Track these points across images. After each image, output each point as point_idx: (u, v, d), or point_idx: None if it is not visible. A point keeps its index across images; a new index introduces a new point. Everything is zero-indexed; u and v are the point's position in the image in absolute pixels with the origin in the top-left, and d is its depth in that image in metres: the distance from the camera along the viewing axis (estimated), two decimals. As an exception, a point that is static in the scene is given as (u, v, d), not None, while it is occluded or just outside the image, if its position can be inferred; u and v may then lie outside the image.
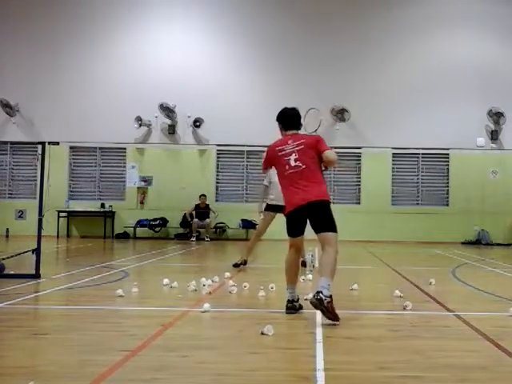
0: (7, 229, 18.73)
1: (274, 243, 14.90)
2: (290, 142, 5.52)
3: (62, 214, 18.83)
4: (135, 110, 18.59)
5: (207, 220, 18.35)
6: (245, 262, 9.80)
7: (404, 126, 18.72)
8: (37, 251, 7.76)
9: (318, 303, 4.98)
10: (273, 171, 10.17)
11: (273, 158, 5.61)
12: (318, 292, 5.03)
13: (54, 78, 19.19)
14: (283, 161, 5.49)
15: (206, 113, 18.86)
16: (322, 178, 5.48)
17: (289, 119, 5.69)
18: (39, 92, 19.10)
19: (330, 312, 4.96)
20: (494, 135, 18.80)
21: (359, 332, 4.78)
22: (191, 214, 18.41)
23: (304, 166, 5.39)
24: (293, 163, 5.44)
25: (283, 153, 5.50)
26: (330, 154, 5.40)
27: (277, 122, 5.76)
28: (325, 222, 5.35)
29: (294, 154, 5.44)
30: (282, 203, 10.04)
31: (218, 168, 19.58)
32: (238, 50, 19.45)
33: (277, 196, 9.93)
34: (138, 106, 18.67)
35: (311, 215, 5.39)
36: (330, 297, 5.02)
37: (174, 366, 3.66)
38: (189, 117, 18.89)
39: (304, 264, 9.18)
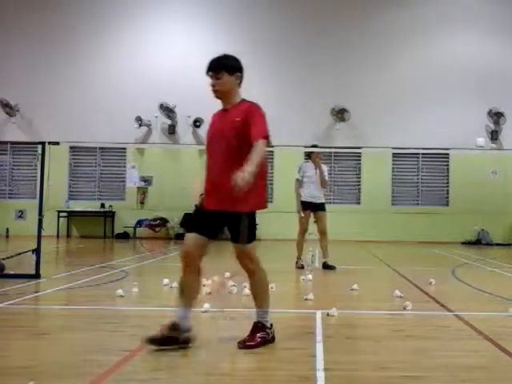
0: (7, 229, 18.73)
1: (274, 243, 14.92)
2: None
3: (61, 214, 18.81)
4: (135, 110, 18.59)
5: (207, 220, 18.28)
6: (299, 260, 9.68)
7: (404, 126, 18.70)
8: (37, 251, 7.76)
9: None
10: (307, 163, 9.97)
11: None
12: None
13: (54, 78, 19.19)
14: None
15: (206, 113, 18.68)
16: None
17: None
18: (39, 92, 19.09)
19: None
20: (493, 135, 18.80)
21: (359, 332, 4.78)
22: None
23: None
24: None
25: None
26: None
27: None
28: None
29: None
30: (316, 200, 9.81)
31: (218, 168, 19.52)
32: (238, 50, 18.96)
33: (310, 192, 9.65)
34: (138, 106, 18.66)
35: None
36: None
37: (174, 366, 3.65)
38: (189, 117, 18.88)
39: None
